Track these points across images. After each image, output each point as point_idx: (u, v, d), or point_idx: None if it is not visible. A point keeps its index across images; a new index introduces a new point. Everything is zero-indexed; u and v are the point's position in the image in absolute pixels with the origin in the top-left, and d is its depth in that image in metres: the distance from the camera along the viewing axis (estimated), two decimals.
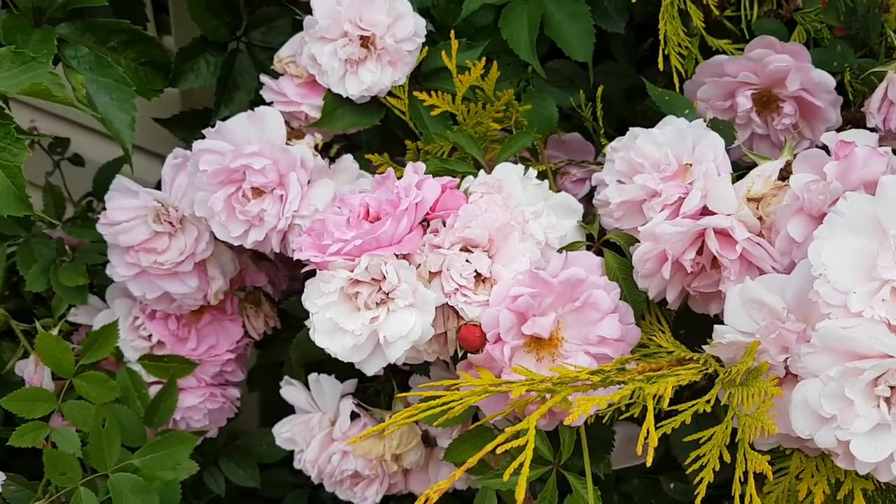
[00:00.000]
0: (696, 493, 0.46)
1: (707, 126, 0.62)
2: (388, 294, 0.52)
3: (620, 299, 0.55)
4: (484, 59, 0.67)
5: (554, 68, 0.78)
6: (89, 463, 0.65)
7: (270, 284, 0.80)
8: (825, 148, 0.52)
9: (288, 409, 0.76)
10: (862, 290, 0.40)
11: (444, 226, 0.54)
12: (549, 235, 0.56)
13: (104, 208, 0.85)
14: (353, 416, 0.72)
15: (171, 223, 0.70)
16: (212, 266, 0.72)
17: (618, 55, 0.86)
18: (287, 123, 0.69)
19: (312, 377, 0.73)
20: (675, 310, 0.59)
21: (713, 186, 0.51)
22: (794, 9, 0.76)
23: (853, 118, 0.73)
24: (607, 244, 0.58)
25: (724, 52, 0.72)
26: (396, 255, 0.53)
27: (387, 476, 0.72)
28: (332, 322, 0.52)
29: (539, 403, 0.52)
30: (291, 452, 0.81)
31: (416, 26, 0.66)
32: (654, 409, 0.43)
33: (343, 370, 0.75)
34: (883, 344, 0.39)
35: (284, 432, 0.73)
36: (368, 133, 0.75)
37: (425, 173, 0.57)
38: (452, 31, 0.67)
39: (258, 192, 0.64)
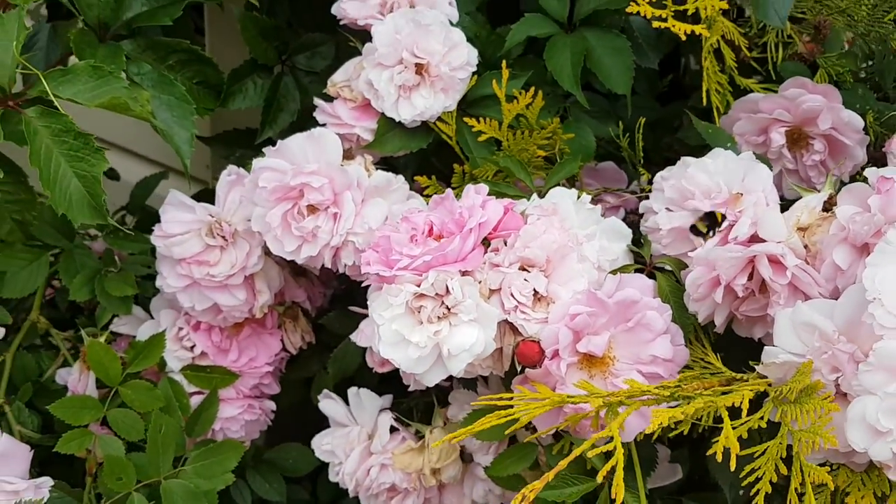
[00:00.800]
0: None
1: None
2: (450, 309, 0.55)
3: (671, 321, 0.58)
4: (532, 88, 0.71)
5: (590, 100, 0.82)
6: (142, 469, 0.66)
7: (308, 300, 0.83)
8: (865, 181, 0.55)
9: (314, 425, 0.78)
10: None
11: (506, 245, 0.57)
12: (601, 258, 0.59)
13: (139, 222, 0.87)
14: (392, 429, 0.74)
15: (223, 237, 0.72)
16: (260, 280, 0.74)
17: (641, 90, 0.90)
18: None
19: (352, 391, 0.74)
20: (718, 333, 0.61)
21: (764, 215, 0.54)
22: (817, 53, 0.80)
23: (873, 157, 0.76)
24: (657, 268, 0.61)
25: (753, 91, 0.75)
26: (461, 272, 0.55)
27: (423, 490, 0.73)
28: (398, 334, 0.54)
29: (593, 419, 0.55)
30: (315, 469, 0.83)
31: (469, 56, 0.69)
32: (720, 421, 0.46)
33: (375, 385, 0.78)
34: None
35: (325, 444, 0.74)
36: (406, 158, 0.78)
37: (504, 200, 0.60)
38: (504, 62, 0.70)
39: (313, 209, 0.67)
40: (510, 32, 0.76)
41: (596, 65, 0.76)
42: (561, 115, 0.80)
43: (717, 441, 0.48)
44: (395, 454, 0.72)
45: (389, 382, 0.74)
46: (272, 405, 0.83)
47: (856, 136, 0.68)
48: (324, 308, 0.85)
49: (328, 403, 0.76)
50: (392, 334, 0.54)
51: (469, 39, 0.79)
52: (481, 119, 0.71)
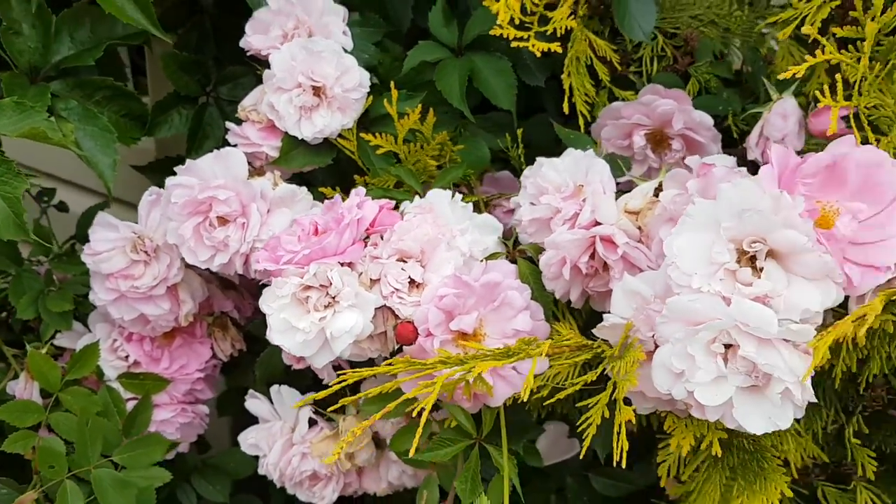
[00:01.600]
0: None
1: (606, 160, 0.74)
2: (334, 298, 0.62)
3: (532, 299, 0.65)
4: (420, 106, 0.79)
5: (488, 117, 0.90)
6: (75, 461, 0.73)
7: (236, 310, 0.90)
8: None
9: None
10: (702, 272, 0.50)
11: (382, 239, 0.64)
12: (474, 249, 0.67)
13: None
14: (311, 422, 0.80)
15: (146, 252, 0.79)
16: (182, 290, 0.81)
17: (548, 107, 0.98)
18: (250, 163, 0.80)
19: (274, 388, 0.81)
20: (584, 311, 0.69)
21: (599, 202, 0.62)
22: (687, 63, 0.89)
23: (738, 154, 0.85)
24: (521, 254, 0.69)
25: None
26: (341, 264, 0.62)
27: (342, 475, 0.80)
28: (286, 321, 0.61)
29: (463, 386, 0.62)
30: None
31: (360, 78, 0.77)
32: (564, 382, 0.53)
33: (301, 384, 0.84)
34: (716, 311, 0.49)
35: (249, 439, 0.81)
36: (324, 171, 0.86)
37: (381, 200, 0.67)
38: (392, 83, 0.78)
39: (223, 220, 0.74)
40: (406, 59, 0.85)
41: (483, 84, 0.84)
42: (461, 130, 0.89)
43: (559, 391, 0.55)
44: (313, 443, 0.78)
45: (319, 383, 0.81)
46: (205, 409, 0.89)
47: (708, 133, 0.77)
48: (254, 318, 0.92)
49: (254, 402, 0.82)
50: (280, 322, 0.62)
51: (373, 66, 0.89)
52: (380, 135, 0.79)
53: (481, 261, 0.66)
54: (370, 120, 0.83)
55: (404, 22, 0.93)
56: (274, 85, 0.76)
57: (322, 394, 0.59)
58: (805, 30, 0.62)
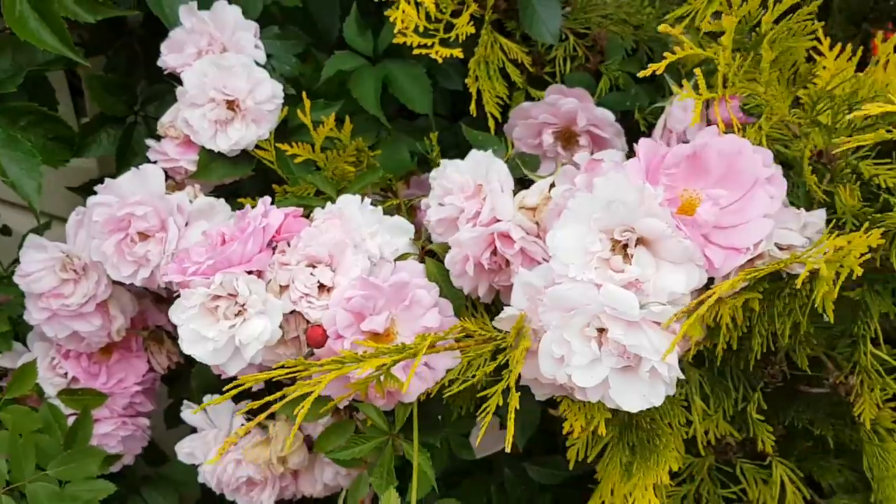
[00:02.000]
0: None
1: (515, 159, 0.76)
2: (242, 306, 0.64)
3: (441, 297, 0.67)
4: (334, 115, 0.81)
5: (411, 122, 0.93)
6: (12, 476, 0.75)
7: (171, 324, 0.91)
8: None
9: None
10: (578, 262, 0.53)
11: (290, 246, 0.66)
12: (385, 250, 0.69)
13: None
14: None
15: (75, 271, 0.81)
16: (113, 306, 0.83)
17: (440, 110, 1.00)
18: (171, 178, 0.82)
19: (207, 398, 0.83)
20: (497, 306, 0.71)
21: (497, 200, 0.65)
22: (598, 62, 0.92)
23: None
24: (432, 255, 0.71)
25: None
26: (249, 272, 0.65)
27: (277, 479, 0.82)
28: (196, 332, 0.63)
29: (376, 385, 0.64)
30: None
31: (273, 90, 0.79)
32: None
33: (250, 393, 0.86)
34: (588, 298, 0.52)
35: (185, 448, 0.83)
36: (250, 182, 0.88)
37: (288, 208, 0.70)
38: (304, 93, 0.81)
39: (144, 236, 0.76)
40: (324, 69, 0.87)
41: (399, 91, 0.87)
42: (382, 135, 0.91)
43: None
44: (246, 448, 0.80)
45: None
46: (147, 422, 0.91)
47: (611, 129, 0.79)
48: None
49: (188, 412, 0.84)
50: (190, 333, 0.64)
51: (294, 77, 0.91)
52: (297, 144, 0.82)
53: (393, 262, 0.69)
54: (290, 130, 0.85)
55: (332, 32, 0.95)
56: (187, 101, 0.78)
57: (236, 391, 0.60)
58: (697, 24, 0.64)
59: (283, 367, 0.55)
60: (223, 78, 0.77)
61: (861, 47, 0.66)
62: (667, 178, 0.54)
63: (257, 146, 0.81)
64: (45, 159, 0.87)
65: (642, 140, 0.55)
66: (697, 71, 0.56)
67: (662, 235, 0.52)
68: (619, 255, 0.53)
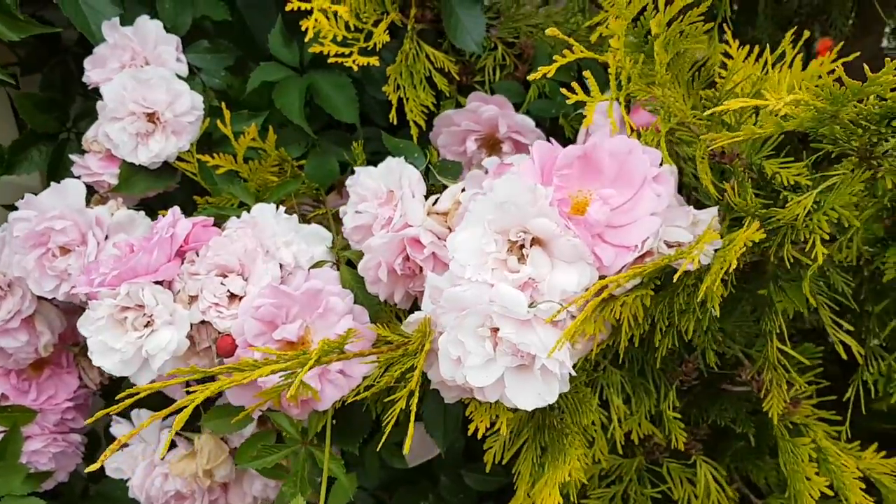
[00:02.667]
0: None
1: (437, 166, 0.77)
2: (150, 317, 0.64)
3: (357, 304, 0.67)
4: (255, 125, 0.81)
5: (344, 133, 0.93)
6: None
7: None
8: None
9: None
10: (475, 263, 0.53)
11: (199, 256, 0.66)
12: (301, 258, 0.69)
13: None
14: (173, 444, 0.81)
15: (0, 287, 0.80)
16: (39, 322, 0.82)
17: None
18: (95, 192, 0.82)
19: (135, 413, 0.82)
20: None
21: (407, 206, 0.65)
22: (526, 71, 0.93)
23: None
24: (350, 263, 0.71)
25: None
26: (156, 283, 0.64)
27: (205, 492, 0.81)
28: (103, 343, 0.63)
29: (287, 393, 0.64)
30: None
31: (193, 102, 0.79)
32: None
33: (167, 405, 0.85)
34: (481, 298, 0.52)
35: (113, 464, 0.82)
36: (178, 195, 0.87)
37: (197, 217, 0.69)
38: (223, 104, 0.81)
39: (66, 250, 0.76)
40: (249, 80, 0.88)
41: (324, 101, 0.87)
42: (313, 145, 0.92)
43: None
44: (172, 463, 0.79)
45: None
46: (79, 438, 0.90)
47: (533, 135, 0.80)
48: None
49: (117, 427, 0.83)
50: (99, 345, 0.63)
51: (224, 90, 0.91)
52: (219, 155, 0.82)
53: (307, 270, 0.69)
54: (214, 141, 0.85)
55: (267, 44, 0.96)
56: (107, 115, 0.78)
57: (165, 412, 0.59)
58: (613, 28, 0.65)
59: (176, 375, 0.55)
60: (142, 91, 0.77)
61: (767, 49, 0.67)
62: (560, 178, 0.54)
63: (179, 158, 0.81)
64: None
65: (537, 142, 0.56)
66: (587, 74, 0.57)
67: (553, 235, 0.52)
68: (515, 255, 0.54)
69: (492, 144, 0.83)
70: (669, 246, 0.54)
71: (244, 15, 1.01)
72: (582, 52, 0.56)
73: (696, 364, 0.69)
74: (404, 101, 0.82)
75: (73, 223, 0.75)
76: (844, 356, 0.64)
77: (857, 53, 0.60)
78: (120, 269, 0.63)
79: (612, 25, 0.56)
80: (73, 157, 0.83)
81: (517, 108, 0.88)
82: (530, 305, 0.52)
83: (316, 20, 0.73)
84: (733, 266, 0.49)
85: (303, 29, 0.74)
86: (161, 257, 0.64)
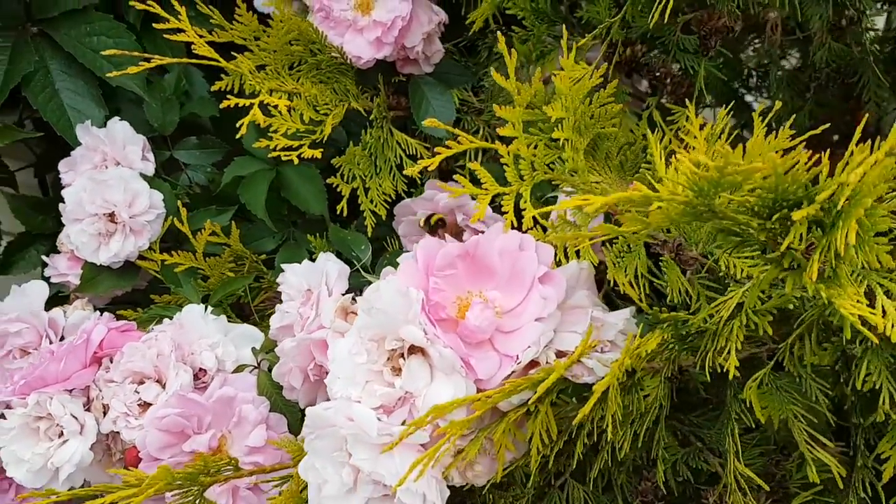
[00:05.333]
0: None
1: (389, 258, 0.73)
2: (61, 427, 0.62)
3: (275, 411, 0.63)
4: (209, 222, 0.80)
5: (315, 224, 0.91)
6: None
7: None
8: None
9: None
10: (345, 374, 0.48)
11: (112, 362, 0.64)
12: (225, 362, 0.66)
13: None
14: None
15: None
16: None
17: None
18: (63, 292, 0.82)
19: None
20: None
21: (322, 306, 0.61)
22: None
23: None
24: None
25: None
26: (68, 391, 0.63)
27: None
28: (14, 454, 0.61)
29: None
30: None
31: (151, 200, 0.79)
32: None
33: None
34: (340, 418, 0.46)
35: None
36: (155, 289, 0.87)
37: (145, 320, 0.68)
38: (179, 202, 0.80)
39: (25, 352, 0.76)
40: (224, 175, 0.87)
41: (292, 194, 0.85)
42: (289, 237, 0.90)
43: None
44: None
45: None
46: None
47: (490, 220, 0.75)
48: None
49: None
50: (10, 455, 0.61)
51: (206, 185, 0.92)
52: (177, 253, 0.81)
53: (235, 372, 0.65)
54: (181, 238, 0.84)
55: None
56: (69, 217, 0.79)
57: None
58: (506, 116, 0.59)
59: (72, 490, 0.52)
60: (101, 192, 0.78)
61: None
62: (441, 280, 0.49)
63: (142, 256, 0.81)
64: None
65: (423, 239, 0.51)
66: (475, 165, 0.52)
67: (423, 344, 0.46)
68: (393, 365, 0.48)
69: (455, 232, 0.78)
70: (562, 355, 0.47)
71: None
72: (471, 142, 0.51)
73: (655, 482, 0.60)
74: (361, 191, 0.79)
75: (29, 326, 0.75)
76: (815, 479, 0.53)
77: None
78: (28, 379, 0.62)
79: (502, 112, 0.51)
80: (45, 258, 0.85)
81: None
82: (403, 423, 0.46)
83: (253, 115, 0.71)
84: (601, 387, 0.42)
85: (237, 126, 0.73)
86: (73, 364, 0.63)
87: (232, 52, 0.75)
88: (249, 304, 0.83)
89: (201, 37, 0.73)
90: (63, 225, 0.96)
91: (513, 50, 0.52)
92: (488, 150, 0.92)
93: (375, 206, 0.79)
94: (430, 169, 0.51)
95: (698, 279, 0.55)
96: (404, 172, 0.80)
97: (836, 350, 0.54)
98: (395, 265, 0.71)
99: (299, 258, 0.86)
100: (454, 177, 0.56)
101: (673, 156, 0.56)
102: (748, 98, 1.10)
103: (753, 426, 0.59)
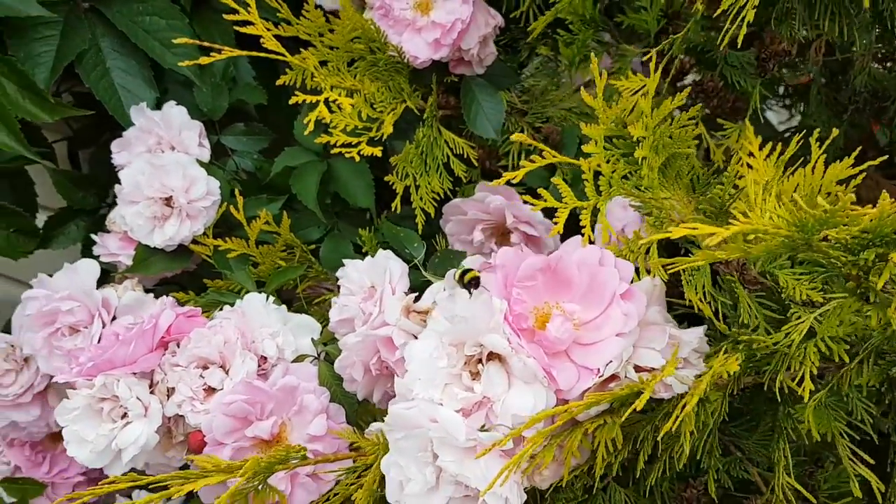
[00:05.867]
0: None
1: (440, 256, 0.75)
2: (126, 408, 0.63)
3: (334, 402, 0.65)
4: (265, 211, 0.82)
5: (359, 216, 0.93)
6: None
7: None
8: None
9: None
10: (425, 376, 0.50)
11: (179, 347, 0.66)
12: (285, 351, 0.68)
13: None
14: None
15: (16, 361, 0.82)
16: (52, 397, 0.84)
17: None
18: (113, 272, 0.84)
19: (136, 493, 0.82)
20: None
21: (386, 303, 0.63)
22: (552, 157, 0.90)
23: None
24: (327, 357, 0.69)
25: None
26: (134, 374, 0.64)
27: None
28: (77, 434, 0.63)
29: (254, 494, 0.62)
30: None
31: (209, 187, 0.80)
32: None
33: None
34: (424, 419, 0.48)
35: None
36: (202, 273, 0.88)
37: (183, 308, 0.70)
38: (237, 190, 0.81)
39: (75, 330, 0.77)
40: (274, 165, 0.89)
41: (342, 187, 0.87)
42: (334, 228, 0.91)
43: None
44: None
45: None
46: None
47: (541, 226, 0.76)
48: None
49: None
50: (73, 434, 0.63)
51: (253, 171, 0.93)
52: (231, 239, 0.82)
53: (295, 362, 0.67)
54: (233, 224, 0.86)
55: None
56: (125, 199, 0.80)
57: None
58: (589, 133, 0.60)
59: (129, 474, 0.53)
60: (158, 176, 0.79)
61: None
62: (523, 290, 0.50)
63: (195, 241, 0.82)
64: (8, 251, 0.91)
65: (502, 249, 0.53)
66: (557, 179, 0.53)
67: (505, 352, 0.48)
68: (471, 370, 0.50)
69: (501, 234, 0.80)
70: (639, 370, 0.49)
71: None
72: (554, 157, 0.53)
73: (700, 490, 0.62)
74: (412, 189, 0.80)
75: (81, 304, 0.76)
76: (858, 494, 0.56)
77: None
78: (97, 361, 0.63)
79: (586, 130, 0.53)
80: (94, 236, 0.86)
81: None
82: (482, 429, 0.48)
83: (319, 112, 0.73)
84: (691, 403, 0.44)
85: (304, 122, 0.74)
86: (141, 348, 0.64)
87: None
88: (292, 291, 0.85)
89: (268, 30, 0.74)
90: (103, 202, 0.99)
91: (604, 71, 0.54)
92: (532, 152, 0.94)
93: (424, 204, 0.81)
94: (514, 181, 0.53)
95: (757, 298, 0.57)
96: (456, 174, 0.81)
97: (883, 371, 0.57)
98: (448, 265, 0.74)
99: (343, 249, 0.88)
100: (538, 190, 0.57)
101: (738, 176, 0.58)
102: (768, 115, 1.12)
103: (794, 439, 0.61)
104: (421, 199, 0.81)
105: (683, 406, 0.44)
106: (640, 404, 0.43)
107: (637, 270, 0.55)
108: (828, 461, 0.71)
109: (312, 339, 0.70)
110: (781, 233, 0.38)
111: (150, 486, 0.54)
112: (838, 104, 0.94)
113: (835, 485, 0.70)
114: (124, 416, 0.64)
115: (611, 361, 0.48)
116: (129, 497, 0.83)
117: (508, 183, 0.56)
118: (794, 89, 0.99)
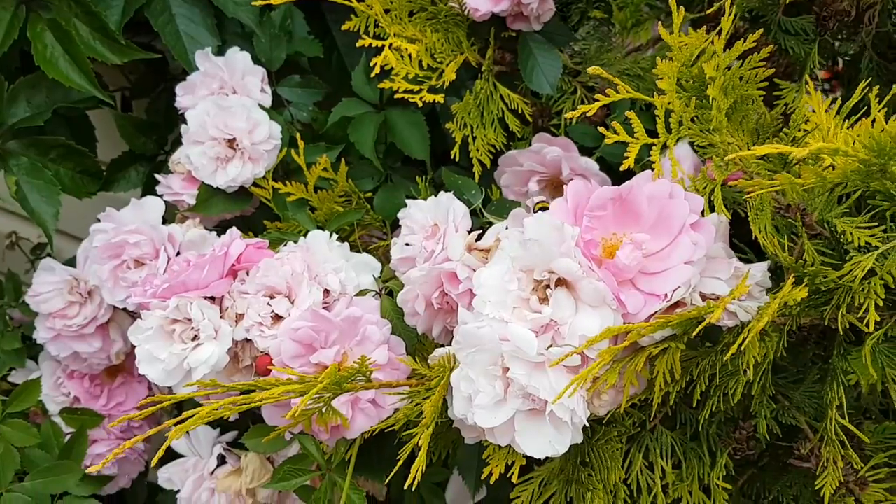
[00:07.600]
0: None
1: (495, 205, 0.77)
2: (196, 330, 0.66)
3: (394, 335, 0.67)
4: (325, 157, 0.84)
5: (413, 168, 0.95)
6: None
7: None
8: None
9: None
10: (495, 300, 0.52)
11: (249, 276, 0.68)
12: (348, 286, 0.70)
13: None
14: (222, 458, 0.83)
15: (80, 294, 0.86)
16: (113, 330, 0.87)
17: None
18: (177, 210, 0.86)
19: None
20: None
21: (449, 240, 0.65)
22: (604, 115, 0.91)
23: None
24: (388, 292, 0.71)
25: None
26: (205, 298, 0.67)
27: None
28: (149, 353, 0.66)
29: (318, 417, 0.64)
30: None
31: (271, 131, 0.83)
32: None
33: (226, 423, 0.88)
34: (494, 336, 0.50)
35: (164, 474, 0.85)
36: (256, 217, 0.91)
37: (252, 239, 0.72)
38: (299, 135, 0.84)
39: (140, 263, 0.80)
40: (331, 114, 0.91)
41: (398, 137, 0.89)
42: (387, 178, 0.93)
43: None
44: (219, 478, 0.81)
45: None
46: (142, 446, 0.94)
47: (597, 178, 0.78)
48: None
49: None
50: (145, 353, 0.66)
51: (309, 122, 0.95)
52: (291, 182, 0.85)
53: (351, 297, 0.69)
54: (291, 169, 0.88)
55: None
56: (190, 138, 0.82)
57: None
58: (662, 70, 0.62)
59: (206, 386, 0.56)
60: (223, 117, 0.81)
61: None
62: (592, 220, 0.52)
63: (256, 184, 0.85)
64: (73, 190, 0.94)
65: (572, 182, 0.54)
66: (631, 114, 0.55)
67: (575, 276, 0.50)
68: (538, 295, 0.52)
69: (555, 186, 0.81)
70: (705, 298, 0.51)
71: (343, 54, 1.06)
72: (628, 91, 0.55)
73: (749, 432, 0.64)
74: (470, 139, 0.82)
75: (147, 238, 0.79)
76: None
77: None
78: (171, 283, 0.66)
79: (660, 67, 0.54)
80: (158, 176, 0.88)
81: (593, 152, 0.86)
82: (549, 347, 0.50)
83: (385, 58, 0.74)
84: (758, 327, 0.45)
85: (371, 65, 0.76)
86: (213, 274, 0.67)
87: None
88: (345, 239, 0.87)
89: None
90: (163, 148, 1.01)
91: (681, 8, 0.55)
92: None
93: (481, 155, 0.83)
94: (589, 114, 0.55)
95: (814, 244, 0.58)
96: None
97: None
98: (504, 212, 0.75)
99: (397, 199, 0.90)
100: (612, 124, 0.58)
101: (805, 121, 0.59)
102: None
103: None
104: (478, 150, 0.83)
105: (749, 332, 0.46)
106: (711, 320, 0.45)
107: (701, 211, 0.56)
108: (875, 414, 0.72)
109: (375, 276, 0.72)
110: (859, 155, 0.39)
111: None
112: (889, 73, 0.94)
113: (881, 439, 0.71)
114: (194, 338, 0.66)
115: (678, 287, 0.49)
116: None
117: (583, 115, 0.57)
118: (844, 60, 0.99)
